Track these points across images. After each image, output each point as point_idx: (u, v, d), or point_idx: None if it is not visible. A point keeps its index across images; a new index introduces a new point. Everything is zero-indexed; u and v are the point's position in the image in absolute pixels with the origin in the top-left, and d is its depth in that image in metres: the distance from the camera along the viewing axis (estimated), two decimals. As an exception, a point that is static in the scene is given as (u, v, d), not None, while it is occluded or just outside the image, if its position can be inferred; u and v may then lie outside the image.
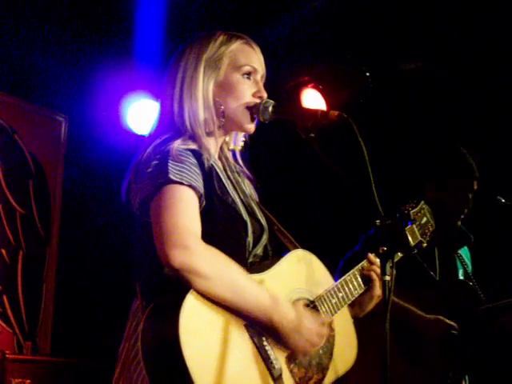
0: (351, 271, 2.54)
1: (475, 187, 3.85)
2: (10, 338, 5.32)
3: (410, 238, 2.59)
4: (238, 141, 2.55)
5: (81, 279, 5.60)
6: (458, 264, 3.93)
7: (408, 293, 3.57)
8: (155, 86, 5.06)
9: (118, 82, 5.35)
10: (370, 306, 2.59)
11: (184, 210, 2.16)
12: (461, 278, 3.91)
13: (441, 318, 3.62)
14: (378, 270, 2.38)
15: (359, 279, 2.55)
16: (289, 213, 3.20)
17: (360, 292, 2.53)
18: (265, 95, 2.45)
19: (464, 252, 4.02)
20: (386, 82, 5.27)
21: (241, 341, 2.17)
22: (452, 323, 3.61)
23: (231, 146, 2.54)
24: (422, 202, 2.67)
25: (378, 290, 2.53)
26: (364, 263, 2.58)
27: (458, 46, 4.89)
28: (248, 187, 2.52)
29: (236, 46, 2.45)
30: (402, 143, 5.25)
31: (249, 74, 2.44)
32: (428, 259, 3.75)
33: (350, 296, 2.49)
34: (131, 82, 5.36)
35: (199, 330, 2.09)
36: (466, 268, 3.92)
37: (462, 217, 3.88)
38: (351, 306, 2.55)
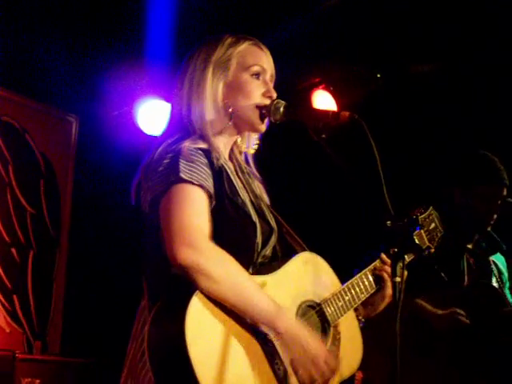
0: (359, 274, 2.54)
1: (504, 194, 3.84)
2: (20, 338, 5.33)
3: (417, 243, 2.59)
4: (251, 143, 2.55)
5: (91, 279, 5.62)
6: (492, 271, 3.92)
7: (427, 296, 3.59)
8: (166, 87, 5.07)
9: (129, 82, 5.36)
10: (382, 305, 2.59)
11: (194, 209, 2.17)
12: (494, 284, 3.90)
13: (454, 309, 3.61)
14: (390, 270, 2.39)
15: (371, 279, 2.55)
16: (298, 215, 3.19)
17: (367, 295, 2.53)
18: (274, 95, 2.45)
19: (499, 260, 4.00)
20: (401, 83, 5.25)
21: (246, 341, 2.16)
22: (462, 312, 3.60)
23: (243, 149, 2.53)
24: (431, 208, 2.67)
25: (389, 290, 2.52)
26: (377, 263, 2.58)
27: (473, 48, 4.86)
28: (258, 188, 2.52)
29: (244, 46, 2.46)
30: (428, 149, 5.19)
31: (257, 74, 2.44)
32: (456, 265, 3.77)
33: (356, 299, 2.49)
34: (142, 83, 5.37)
35: (205, 330, 2.09)
36: (498, 275, 3.91)
37: (491, 223, 3.87)
38: (363, 305, 2.55)
